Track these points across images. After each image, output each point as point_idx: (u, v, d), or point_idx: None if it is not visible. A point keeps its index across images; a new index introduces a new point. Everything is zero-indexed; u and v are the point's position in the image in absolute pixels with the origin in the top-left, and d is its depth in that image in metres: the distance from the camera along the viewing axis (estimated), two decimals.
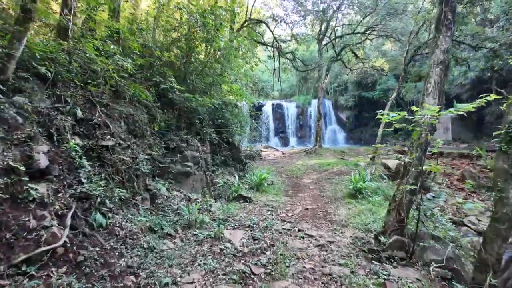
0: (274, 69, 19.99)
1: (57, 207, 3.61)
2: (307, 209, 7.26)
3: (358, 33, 21.70)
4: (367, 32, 21.96)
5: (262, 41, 18.57)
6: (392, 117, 4.12)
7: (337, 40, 23.02)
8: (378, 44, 25.43)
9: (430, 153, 15.99)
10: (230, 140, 9.80)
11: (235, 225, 5.73)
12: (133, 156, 5.35)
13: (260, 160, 17.75)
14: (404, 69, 14.05)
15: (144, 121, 6.07)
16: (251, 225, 5.76)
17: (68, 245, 3.46)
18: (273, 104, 43.88)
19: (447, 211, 7.77)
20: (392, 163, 10.76)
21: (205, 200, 6.84)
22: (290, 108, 43.91)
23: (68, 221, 3.57)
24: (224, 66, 8.59)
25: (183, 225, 5.30)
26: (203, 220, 5.45)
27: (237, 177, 8.91)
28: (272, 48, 19.32)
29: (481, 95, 3.66)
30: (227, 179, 8.50)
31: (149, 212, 5.16)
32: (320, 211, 7.02)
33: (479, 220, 8.12)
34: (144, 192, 5.47)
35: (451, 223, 6.40)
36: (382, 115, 4.29)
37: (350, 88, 44.74)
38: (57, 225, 3.45)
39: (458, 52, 14.84)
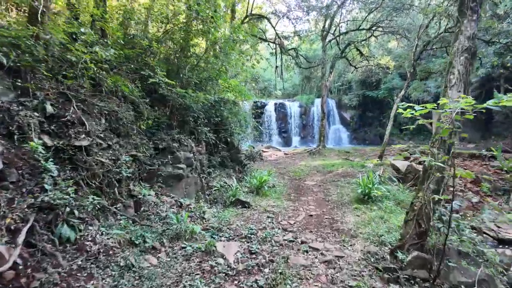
0: (277, 67, 19.31)
1: (10, 220, 2.99)
2: (311, 215, 6.59)
3: (363, 29, 20.99)
4: (373, 29, 21.25)
5: (264, 38, 17.87)
6: (417, 110, 3.43)
7: (341, 37, 22.32)
8: (384, 41, 24.66)
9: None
10: (229, 140, 9.16)
11: (230, 236, 5.08)
12: (114, 157, 4.72)
13: (262, 160, 17.10)
14: (412, 65, 13.34)
15: (129, 118, 5.44)
16: (248, 235, 5.11)
17: (21, 267, 2.84)
18: (275, 104, 43.19)
19: (465, 218, 7.07)
20: (401, 164, 10.06)
21: (199, 206, 6.20)
22: (293, 108, 43.19)
23: (21, 238, 2.94)
24: (221, 60, 7.96)
25: (170, 236, 4.66)
26: (193, 230, 4.80)
27: (235, 179, 8.26)
28: (274, 45, 18.67)
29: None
30: (225, 182, 7.85)
31: (131, 222, 4.52)
32: (326, 218, 6.35)
33: (498, 227, 7.44)
34: (127, 198, 4.84)
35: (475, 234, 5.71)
36: (405, 109, 3.61)
37: (354, 87, 43.96)
38: (6, 243, 2.83)
39: None
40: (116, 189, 4.60)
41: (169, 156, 6.16)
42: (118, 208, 4.59)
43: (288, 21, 18.75)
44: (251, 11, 16.60)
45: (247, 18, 16.37)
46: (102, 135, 4.70)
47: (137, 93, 5.57)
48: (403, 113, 3.59)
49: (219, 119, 8.55)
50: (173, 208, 5.66)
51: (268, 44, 19.42)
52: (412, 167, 9.26)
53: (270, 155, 18.82)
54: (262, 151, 19.85)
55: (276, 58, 18.80)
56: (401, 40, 23.76)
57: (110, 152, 4.76)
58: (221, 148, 8.83)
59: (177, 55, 7.34)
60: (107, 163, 4.48)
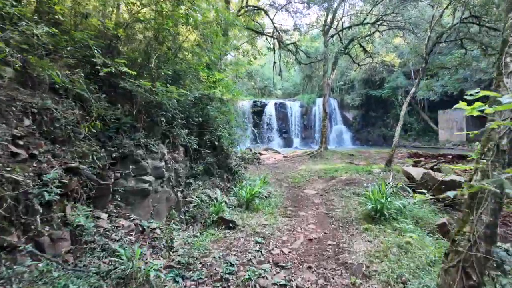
0: (274, 62, 17.99)
1: None
2: (311, 239, 5.28)
3: (367, 23, 19.65)
4: (377, 23, 19.90)
5: (261, 31, 16.56)
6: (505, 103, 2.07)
7: (344, 32, 20.99)
8: (389, 37, 23.28)
9: (451, 157, 13.57)
10: (216, 143, 7.86)
11: (200, 278, 3.77)
12: (38, 172, 3.43)
13: (259, 164, 15.78)
14: (425, 59, 12.00)
15: (71, 118, 4.15)
16: (225, 276, 3.81)
17: None
18: (276, 103, 41.90)
19: None
20: (416, 172, 8.73)
21: (168, 229, 4.91)
22: (294, 108, 41.91)
23: None
24: (204, 49, 6.68)
25: (115, 282, 3.37)
26: (148, 272, 3.50)
27: (219, 191, 6.95)
28: (272, 39, 17.36)
29: None
30: (208, 195, 6.55)
31: (54, 264, 3.22)
32: (330, 245, 5.03)
33: None
34: (58, 228, 3.54)
35: None
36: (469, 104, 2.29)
37: (356, 86, 42.59)
38: None
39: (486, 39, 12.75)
40: (38, 217, 3.31)
41: (131, 167, 4.86)
42: (43, 243, 3.30)
43: (287, 14, 17.45)
44: (247, 2, 15.32)
45: (243, 10, 15.07)
46: (21, 142, 3.41)
47: (80, 85, 4.26)
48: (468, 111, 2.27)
49: (202, 119, 7.25)
50: (131, 235, 4.37)
51: (266, 39, 18.12)
52: (430, 176, 7.93)
53: (268, 158, 17.53)
54: (260, 153, 18.56)
55: (274, 53, 17.50)
56: (408, 35, 22.34)
57: (35, 165, 3.48)
58: (206, 154, 7.53)
59: (151, 43, 6.05)
60: (23, 182, 3.19)
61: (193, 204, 5.94)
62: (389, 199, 6.34)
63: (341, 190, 9.19)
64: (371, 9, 20.09)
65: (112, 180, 4.59)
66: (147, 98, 5.36)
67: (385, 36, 23.37)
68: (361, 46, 22.70)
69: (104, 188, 4.45)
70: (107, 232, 4.12)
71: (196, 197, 6.25)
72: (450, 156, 16.35)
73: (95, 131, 4.41)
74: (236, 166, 8.67)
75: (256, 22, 16.21)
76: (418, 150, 20.31)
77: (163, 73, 5.51)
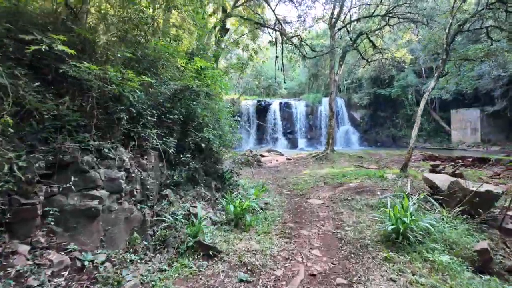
0: (277, 57, 16.67)
1: None
2: (314, 275, 3.99)
3: (378, 15, 18.27)
4: (388, 15, 18.49)
5: (261, 22, 15.21)
6: None
7: (352, 25, 19.61)
8: (400, 31, 21.81)
9: (470, 160, 12.14)
10: (203, 146, 6.60)
11: None
12: None
13: (259, 167, 14.53)
14: (445, 49, 10.57)
15: None
16: None
17: None
18: (280, 103, 40.60)
19: None
20: (440, 180, 7.35)
21: (121, 260, 3.67)
22: (299, 107, 40.56)
23: None
24: (180, 30, 5.45)
25: None
26: None
27: (200, 205, 5.68)
28: (274, 32, 16.05)
29: None
30: (187, 210, 5.30)
31: None
32: (339, 285, 3.74)
33: None
34: None
35: None
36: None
37: (364, 85, 41.04)
38: None
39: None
40: None
41: (73, 178, 3.63)
42: None
43: (291, 4, 16.13)
44: None
45: (242, 0, 13.82)
46: None
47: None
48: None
49: (184, 117, 6.01)
50: (61, 276, 3.14)
51: (268, 32, 16.82)
52: (459, 185, 6.54)
53: (269, 160, 16.24)
54: (261, 155, 17.28)
55: (276, 47, 16.19)
56: (422, 28, 20.86)
57: None
58: (190, 158, 6.28)
59: (113, 20, 4.82)
60: None
61: (166, 224, 4.68)
62: (413, 217, 5.00)
63: (351, 200, 7.87)
64: (381, 0, 18.72)
65: (42, 197, 3.37)
66: (103, 88, 4.12)
67: (395, 30, 21.91)
68: (370, 41, 21.29)
69: (28, 210, 3.22)
70: (28, 273, 2.90)
71: (171, 213, 5.00)
72: (470, 159, 14.88)
73: (12, 130, 3.17)
74: (228, 172, 7.40)
75: (257, 13, 14.92)
76: (433, 152, 18.81)
77: (119, 55, 4.25)
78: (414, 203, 5.77)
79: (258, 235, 5.31)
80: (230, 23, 16.88)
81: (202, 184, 6.50)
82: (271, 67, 41.20)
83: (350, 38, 18.56)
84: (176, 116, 5.77)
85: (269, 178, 11.87)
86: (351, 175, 10.98)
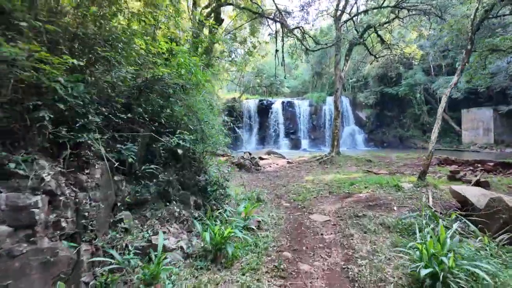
0: (277, 51, 15.28)
1: None
2: None
3: (387, 6, 16.83)
4: (398, 6, 17.04)
5: (260, 12, 13.82)
6: None
7: (359, 17, 18.20)
8: (411, 23, 20.32)
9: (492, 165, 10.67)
10: (179, 152, 5.29)
11: None
12: None
13: (257, 172, 13.20)
14: (470, 38, 9.12)
15: None
16: None
17: None
18: (283, 102, 39.26)
19: None
20: (474, 194, 5.94)
21: None
22: (302, 107, 39.17)
23: None
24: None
25: None
26: None
27: (161, 232, 4.35)
28: (274, 24, 14.67)
29: None
30: (147, 240, 3.98)
31: None
32: None
33: None
34: None
35: None
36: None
37: (371, 83, 39.50)
38: None
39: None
40: None
41: None
42: None
43: None
44: None
45: None
46: None
47: None
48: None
49: (147, 116, 4.68)
50: None
51: (267, 24, 15.44)
52: (503, 203, 5.14)
53: (269, 164, 14.89)
54: (260, 158, 15.94)
55: (276, 40, 14.81)
56: (434, 22, 19.40)
57: None
58: (161, 168, 4.98)
59: None
60: None
61: (109, 267, 3.36)
62: (452, 253, 3.63)
63: (363, 217, 6.50)
64: None
65: None
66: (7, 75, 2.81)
67: (406, 24, 20.43)
68: (378, 35, 19.86)
69: None
70: None
71: (124, 247, 3.69)
72: (491, 164, 13.40)
73: None
74: (213, 184, 6.06)
75: (255, 2, 13.56)
76: (448, 155, 17.32)
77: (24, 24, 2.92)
78: (454, 234, 4.35)
79: (243, 274, 3.97)
80: (227, 15, 15.55)
81: (177, 201, 5.17)
82: (273, 65, 39.82)
83: (357, 30, 17.14)
84: (140, 115, 4.45)
85: (267, 185, 10.53)
86: (360, 183, 9.61)
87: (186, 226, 5.01)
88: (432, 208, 6.09)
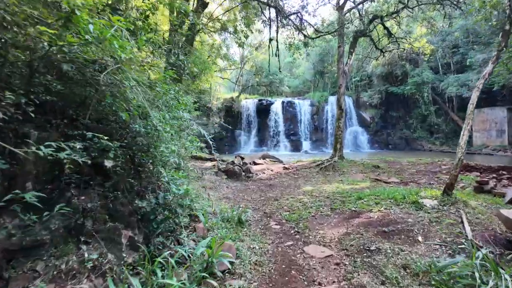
0: (271, 39, 13.43)
1: None
2: None
3: None
4: None
5: None
6: None
7: (364, 6, 16.40)
8: (423, 13, 18.52)
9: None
10: (108, 166, 3.54)
11: None
12: None
13: (247, 180, 11.43)
14: (509, 16, 7.27)
15: None
16: None
17: None
18: (283, 102, 37.50)
19: None
20: None
21: None
22: (304, 107, 37.41)
23: None
24: None
25: None
26: None
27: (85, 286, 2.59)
28: (268, 8, 12.85)
29: None
30: None
31: None
32: None
33: None
34: None
35: None
36: None
37: (375, 82, 37.61)
38: None
39: None
40: None
41: None
42: None
43: None
44: None
45: None
46: None
47: None
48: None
49: (45, 111, 2.92)
50: None
51: (261, 11, 13.62)
52: None
53: (263, 170, 13.08)
54: (254, 163, 14.15)
55: (270, 28, 12.98)
56: (451, 12, 17.57)
57: None
58: (74, 191, 3.21)
59: None
60: None
61: None
62: None
63: (376, 252, 4.70)
64: None
65: None
66: None
67: (416, 13, 18.60)
68: (385, 27, 18.07)
69: None
70: None
71: None
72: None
73: None
74: (160, 211, 4.24)
75: None
76: (468, 161, 15.44)
77: None
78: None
79: None
80: None
81: (99, 240, 3.40)
82: (272, 63, 38.02)
83: (362, 20, 15.33)
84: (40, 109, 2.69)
85: (256, 198, 8.74)
86: (369, 197, 7.79)
87: (106, 278, 3.23)
88: (476, 244, 4.28)
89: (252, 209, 7.61)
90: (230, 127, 31.80)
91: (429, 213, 6.22)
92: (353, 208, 7.13)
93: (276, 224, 6.45)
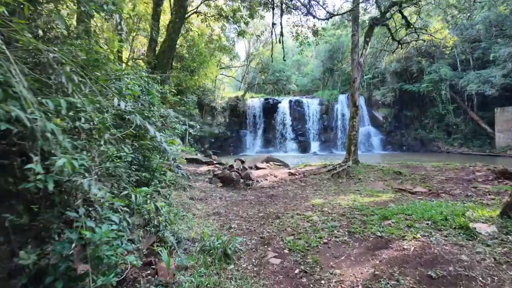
0: (274, 24, 11.67)
1: None
2: None
3: None
4: None
5: None
6: None
7: None
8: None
9: None
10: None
11: None
12: None
13: (246, 188, 9.77)
14: None
15: None
16: None
17: None
18: (290, 101, 35.80)
19: None
20: None
21: None
22: (312, 106, 35.62)
23: None
24: None
25: None
26: None
27: None
28: None
29: None
30: None
31: None
32: None
33: None
34: None
35: None
36: None
37: (388, 79, 35.51)
38: None
39: None
40: None
41: None
42: None
43: None
44: None
45: None
46: None
47: None
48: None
49: None
50: None
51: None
52: None
53: (265, 175, 11.37)
54: (255, 167, 12.47)
55: (273, 10, 11.24)
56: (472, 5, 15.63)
57: None
58: None
59: None
60: None
61: None
62: None
63: None
64: None
65: None
66: None
67: (438, 2, 16.68)
68: (403, 16, 16.20)
69: None
70: None
71: None
72: None
73: None
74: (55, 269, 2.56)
75: None
76: (482, 161, 13.51)
77: None
78: None
79: None
80: None
81: None
82: (279, 60, 36.32)
83: (379, 6, 13.50)
84: None
85: (253, 215, 7.04)
86: (397, 217, 6.03)
87: None
88: None
89: (246, 231, 5.93)
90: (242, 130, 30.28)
91: (489, 246, 4.44)
92: (379, 233, 5.38)
93: (275, 257, 4.76)
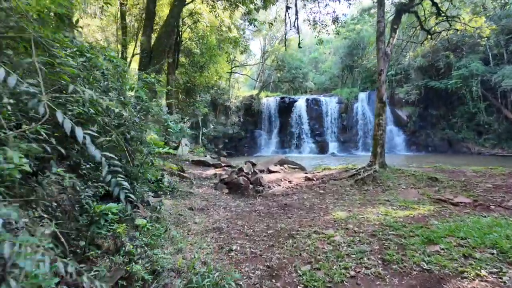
0: (288, 7, 10.31)
1: None
2: None
3: None
4: None
5: None
6: None
7: None
8: None
9: None
10: None
11: None
12: None
13: (256, 196, 8.52)
14: None
15: None
16: None
17: None
18: (307, 100, 34.27)
19: None
20: None
21: None
22: (330, 104, 33.94)
23: None
24: None
25: None
26: None
27: None
28: None
29: None
30: None
31: None
32: None
33: None
34: None
35: None
36: None
37: (412, 75, 33.27)
38: None
39: None
40: None
41: None
42: None
43: None
44: None
45: None
46: None
47: None
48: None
49: None
50: None
51: None
52: None
53: (278, 180, 10.08)
54: (268, 170, 11.21)
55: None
56: None
57: None
58: None
59: None
60: None
61: None
62: None
63: None
64: None
65: None
66: None
67: None
68: (433, 3, 14.52)
69: None
70: None
71: None
72: None
73: None
74: None
75: None
76: None
77: None
78: None
79: None
80: None
81: None
82: (295, 57, 34.92)
83: None
84: None
85: (260, 232, 5.76)
86: (443, 238, 4.63)
87: None
88: None
89: (250, 255, 4.68)
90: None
91: None
92: (425, 264, 4.02)
93: None
